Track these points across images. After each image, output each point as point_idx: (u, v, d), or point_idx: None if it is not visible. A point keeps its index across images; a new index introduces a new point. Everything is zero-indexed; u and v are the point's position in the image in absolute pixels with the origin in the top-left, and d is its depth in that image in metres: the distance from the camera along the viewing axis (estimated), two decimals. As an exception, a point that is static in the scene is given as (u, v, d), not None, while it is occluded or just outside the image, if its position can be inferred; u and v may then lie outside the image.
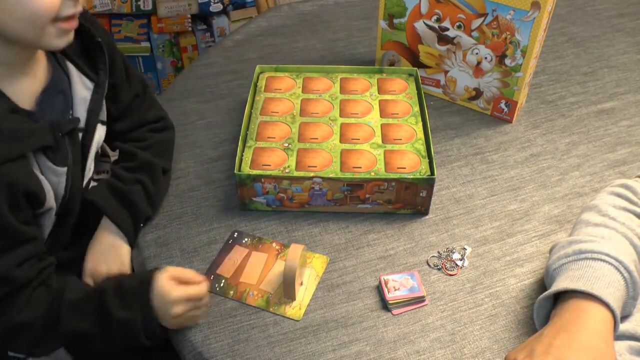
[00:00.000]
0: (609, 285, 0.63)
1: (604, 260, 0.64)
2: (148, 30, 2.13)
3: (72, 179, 0.76)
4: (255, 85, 1.00)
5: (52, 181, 0.73)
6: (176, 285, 0.70)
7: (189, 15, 2.10)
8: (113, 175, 0.85)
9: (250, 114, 0.95)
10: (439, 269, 0.79)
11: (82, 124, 0.79)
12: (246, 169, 0.84)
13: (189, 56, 2.18)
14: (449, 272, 0.79)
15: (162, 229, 0.85)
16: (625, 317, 0.65)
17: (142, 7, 2.04)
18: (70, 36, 0.71)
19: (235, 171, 0.83)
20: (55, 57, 0.77)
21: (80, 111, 0.79)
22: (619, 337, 0.63)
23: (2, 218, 0.66)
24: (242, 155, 0.87)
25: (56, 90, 0.76)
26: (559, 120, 1.06)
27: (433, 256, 0.81)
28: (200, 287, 0.71)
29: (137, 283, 0.71)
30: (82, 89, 0.79)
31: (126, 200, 0.82)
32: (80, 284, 0.77)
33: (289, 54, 1.23)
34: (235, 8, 2.16)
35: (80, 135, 0.79)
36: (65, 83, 0.78)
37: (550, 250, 0.72)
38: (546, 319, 0.65)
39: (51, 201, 0.74)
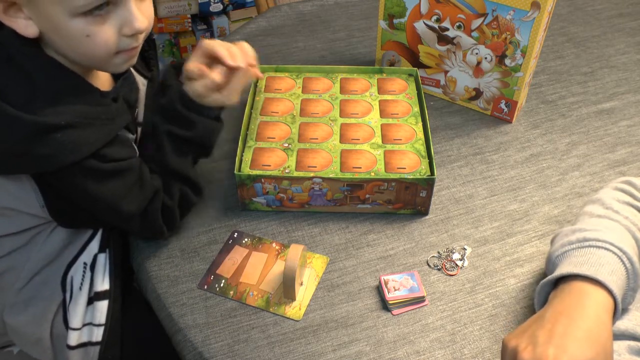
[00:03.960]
0: (612, 273, 0.63)
1: (607, 249, 0.64)
2: (148, 30, 2.13)
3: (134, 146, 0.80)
4: (255, 85, 1.00)
5: None
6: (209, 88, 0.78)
7: (189, 15, 2.11)
8: None
9: (250, 114, 0.95)
10: (438, 269, 0.79)
11: (139, 118, 0.84)
12: (246, 169, 0.84)
13: (189, 56, 2.18)
14: (449, 272, 0.79)
15: (162, 229, 0.85)
16: (623, 313, 0.65)
17: (142, 7, 2.04)
18: (133, 61, 0.74)
19: (235, 171, 0.83)
20: None
21: (141, 107, 0.84)
22: (619, 336, 0.63)
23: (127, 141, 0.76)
24: (242, 156, 0.87)
25: (128, 81, 0.79)
26: (559, 120, 1.06)
27: (433, 256, 0.81)
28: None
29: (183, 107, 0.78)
30: (141, 86, 0.83)
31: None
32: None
33: (289, 54, 1.23)
34: (235, 8, 2.16)
35: (139, 129, 0.83)
36: (134, 79, 0.82)
37: (552, 240, 0.72)
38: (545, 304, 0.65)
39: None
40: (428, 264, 0.80)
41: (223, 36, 2.10)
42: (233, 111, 1.07)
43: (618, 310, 0.62)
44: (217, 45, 0.79)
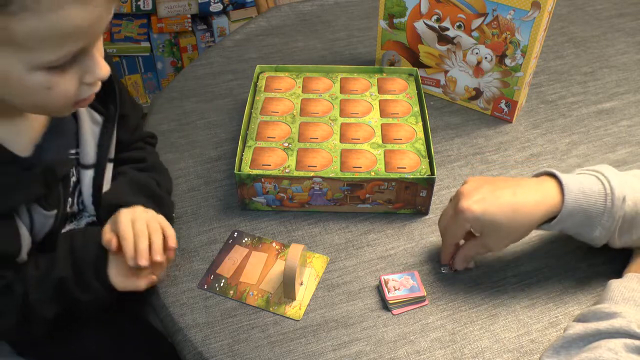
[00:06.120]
0: (582, 192, 0.70)
1: (598, 178, 0.71)
2: (148, 30, 2.13)
3: (60, 218, 0.74)
4: (255, 85, 1.00)
5: (39, 224, 0.71)
6: (128, 278, 0.71)
7: (189, 15, 2.11)
8: (126, 175, 0.82)
9: (250, 113, 0.95)
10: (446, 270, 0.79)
11: (92, 160, 0.77)
12: (246, 169, 0.84)
13: (189, 56, 2.19)
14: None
15: (162, 228, 0.85)
16: (616, 313, 0.65)
17: (142, 7, 2.04)
18: (84, 105, 0.68)
19: (235, 171, 0.83)
20: None
21: (90, 147, 0.76)
22: (614, 334, 0.63)
23: None
24: (242, 155, 0.87)
25: (59, 130, 0.73)
26: (559, 120, 1.06)
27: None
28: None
29: (92, 270, 0.71)
30: (90, 124, 0.76)
31: (154, 196, 0.79)
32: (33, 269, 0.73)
33: (289, 54, 1.23)
34: (235, 8, 2.16)
35: (93, 171, 0.77)
36: (71, 121, 0.75)
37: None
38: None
39: (24, 254, 0.71)
40: (436, 268, 0.80)
41: (223, 36, 2.10)
42: (233, 111, 1.07)
43: (563, 217, 0.70)
44: (125, 240, 0.70)
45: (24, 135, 0.70)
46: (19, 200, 0.67)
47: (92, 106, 0.76)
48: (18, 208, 0.68)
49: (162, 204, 0.79)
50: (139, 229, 0.71)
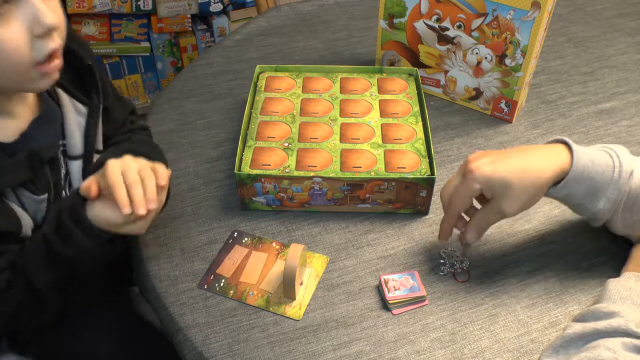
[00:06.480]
0: (591, 160, 0.70)
1: (608, 153, 0.72)
2: (148, 30, 2.13)
3: (54, 203, 0.73)
4: (255, 85, 1.00)
5: (31, 209, 0.71)
6: (109, 210, 0.67)
7: (189, 15, 2.11)
8: (109, 149, 0.81)
9: (250, 113, 0.95)
10: (449, 270, 0.79)
11: (79, 150, 0.77)
12: (246, 169, 0.84)
13: (189, 56, 2.19)
14: (460, 279, 0.78)
15: (162, 228, 0.85)
16: (614, 313, 0.65)
17: (142, 7, 2.04)
18: (55, 76, 0.67)
19: (235, 171, 0.83)
20: None
21: (76, 138, 0.76)
22: (612, 334, 0.63)
23: None
24: (242, 155, 0.87)
25: (45, 121, 0.73)
26: (559, 120, 1.06)
27: (440, 262, 0.80)
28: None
29: (71, 220, 0.69)
30: (75, 115, 0.76)
31: (143, 155, 0.74)
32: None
33: (289, 54, 1.23)
34: (235, 8, 2.16)
35: (81, 162, 0.77)
36: (57, 113, 0.75)
37: None
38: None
39: (28, 231, 0.71)
40: (434, 270, 0.80)
41: (223, 36, 2.10)
42: (233, 111, 1.07)
43: (570, 181, 0.70)
44: (117, 186, 0.66)
45: (11, 124, 0.70)
46: (3, 183, 0.67)
47: (75, 97, 0.76)
48: (4, 191, 0.68)
49: (152, 160, 0.73)
50: (132, 178, 0.67)
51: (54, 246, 0.68)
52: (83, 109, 0.77)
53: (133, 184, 0.66)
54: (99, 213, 0.68)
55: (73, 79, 0.78)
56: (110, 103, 0.83)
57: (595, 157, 0.71)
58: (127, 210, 0.65)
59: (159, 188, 0.68)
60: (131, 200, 0.66)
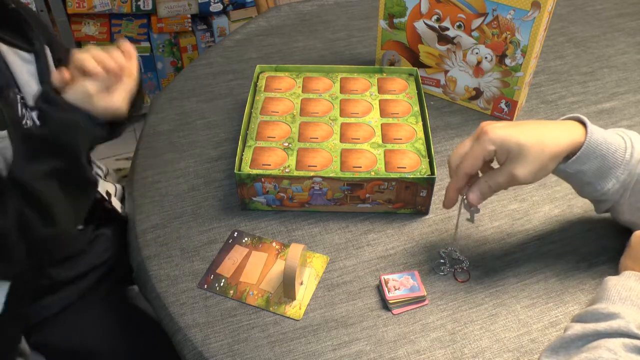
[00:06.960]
0: (605, 138, 0.71)
1: (621, 136, 0.72)
2: (148, 30, 2.13)
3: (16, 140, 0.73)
4: (255, 85, 1.00)
5: None
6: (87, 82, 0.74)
7: (189, 15, 2.11)
8: None
9: (250, 113, 0.95)
10: (449, 270, 0.79)
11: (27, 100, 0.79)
12: (246, 169, 0.84)
13: (189, 56, 2.19)
14: (460, 279, 0.78)
15: (162, 228, 0.85)
16: (615, 314, 0.65)
17: (142, 7, 2.04)
18: None
19: (235, 171, 0.83)
20: None
21: (32, 86, 0.78)
22: (612, 335, 0.63)
23: None
24: (242, 155, 0.87)
25: None
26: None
27: (440, 262, 0.80)
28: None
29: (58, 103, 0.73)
30: (23, 64, 0.78)
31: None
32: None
33: (289, 54, 1.23)
34: (235, 8, 2.16)
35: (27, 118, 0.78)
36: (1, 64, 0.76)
37: None
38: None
39: (2, 171, 0.72)
40: (434, 270, 0.80)
41: (223, 36, 2.10)
42: (233, 111, 1.07)
43: (582, 156, 0.71)
44: (86, 59, 0.75)
45: None
46: None
47: (18, 46, 0.78)
48: None
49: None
50: (97, 51, 0.76)
51: (32, 132, 0.71)
52: (28, 56, 0.79)
53: (99, 53, 0.75)
54: (75, 92, 0.74)
55: (9, 30, 0.78)
56: (63, 55, 0.84)
57: (609, 136, 0.72)
58: (98, 68, 0.73)
59: (126, 55, 0.77)
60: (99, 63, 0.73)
